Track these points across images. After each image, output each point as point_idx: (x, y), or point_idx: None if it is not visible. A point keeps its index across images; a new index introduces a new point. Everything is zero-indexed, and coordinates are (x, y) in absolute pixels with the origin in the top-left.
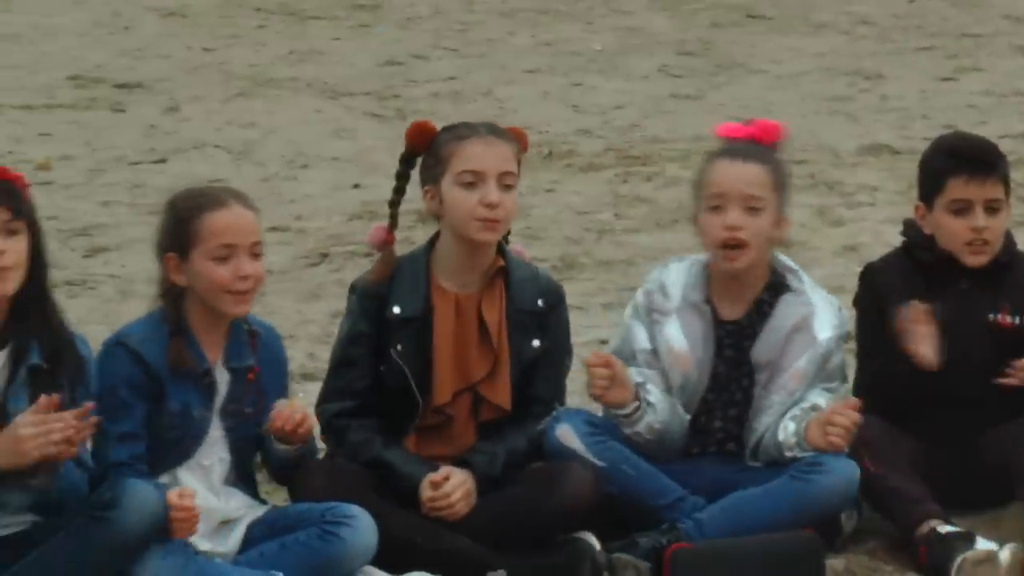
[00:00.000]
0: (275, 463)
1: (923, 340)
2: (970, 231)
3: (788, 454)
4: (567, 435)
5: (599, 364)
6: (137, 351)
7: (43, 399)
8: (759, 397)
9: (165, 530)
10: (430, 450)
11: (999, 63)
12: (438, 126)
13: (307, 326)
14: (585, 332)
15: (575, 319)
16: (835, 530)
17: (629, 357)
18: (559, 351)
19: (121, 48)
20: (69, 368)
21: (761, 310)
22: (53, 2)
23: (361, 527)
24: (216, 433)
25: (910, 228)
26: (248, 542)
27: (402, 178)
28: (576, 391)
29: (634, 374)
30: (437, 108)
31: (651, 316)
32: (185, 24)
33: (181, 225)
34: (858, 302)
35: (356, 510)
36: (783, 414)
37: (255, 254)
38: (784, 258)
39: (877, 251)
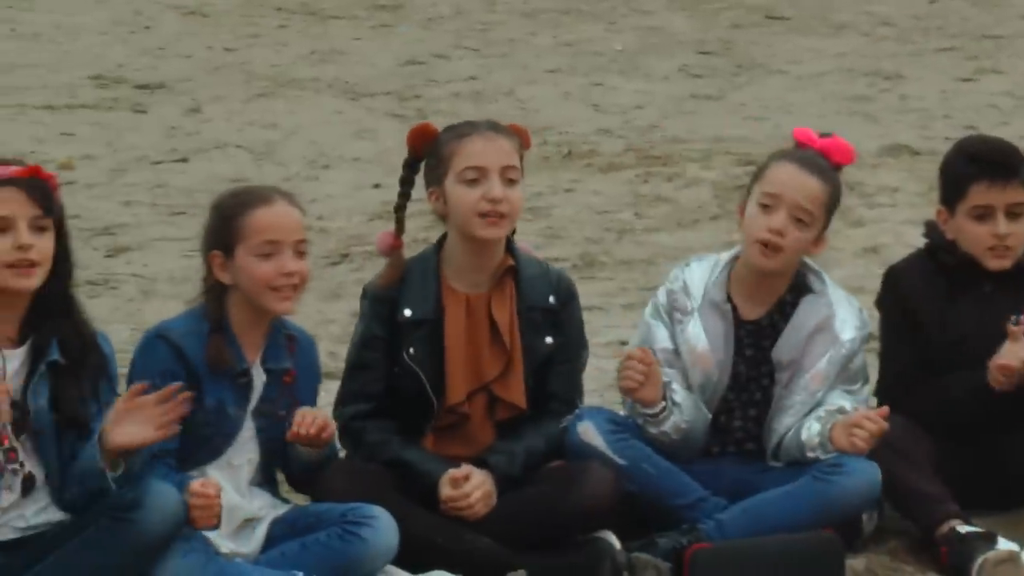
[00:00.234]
0: (299, 467)
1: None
2: (992, 237)
3: (810, 454)
4: (589, 432)
5: (641, 359)
6: (178, 344)
7: (135, 386)
8: (780, 397)
9: (185, 521)
10: (448, 450)
11: (1020, 64)
12: (441, 128)
13: (328, 326)
14: (605, 332)
15: (595, 319)
16: (855, 530)
17: None
18: (574, 347)
19: (142, 47)
20: (91, 365)
21: (783, 310)
22: (75, 1)
23: (382, 527)
24: (247, 433)
25: (932, 230)
26: (269, 540)
27: (406, 183)
28: (596, 389)
29: None
30: (458, 108)
31: (673, 315)
32: (206, 24)
33: (226, 222)
34: (881, 304)
35: (377, 510)
36: (804, 415)
37: (300, 252)
38: (806, 259)
39: (898, 252)
